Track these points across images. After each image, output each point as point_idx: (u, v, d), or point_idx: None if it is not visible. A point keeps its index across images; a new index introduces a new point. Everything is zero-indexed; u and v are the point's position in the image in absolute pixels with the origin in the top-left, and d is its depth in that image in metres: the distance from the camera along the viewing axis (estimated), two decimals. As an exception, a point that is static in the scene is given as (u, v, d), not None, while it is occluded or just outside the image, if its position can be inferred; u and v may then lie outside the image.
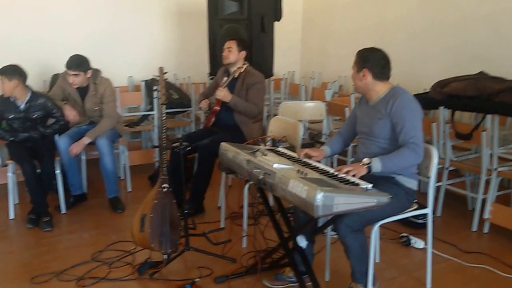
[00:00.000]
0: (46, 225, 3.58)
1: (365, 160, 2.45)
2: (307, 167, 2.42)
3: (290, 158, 2.62)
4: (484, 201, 3.53)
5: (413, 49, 5.31)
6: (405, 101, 2.50)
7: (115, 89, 4.19)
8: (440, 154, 3.70)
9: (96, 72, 4.02)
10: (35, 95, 3.78)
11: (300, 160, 2.59)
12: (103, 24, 5.68)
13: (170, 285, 2.79)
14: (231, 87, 3.87)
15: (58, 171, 3.80)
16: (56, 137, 3.91)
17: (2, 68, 3.65)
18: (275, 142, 3.22)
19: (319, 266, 2.86)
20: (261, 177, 2.30)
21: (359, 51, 2.62)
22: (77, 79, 3.88)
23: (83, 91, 4.00)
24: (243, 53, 3.93)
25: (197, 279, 2.80)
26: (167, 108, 2.97)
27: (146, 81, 5.35)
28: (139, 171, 4.71)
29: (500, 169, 3.46)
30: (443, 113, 3.73)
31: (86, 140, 3.88)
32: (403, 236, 3.38)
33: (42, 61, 5.14)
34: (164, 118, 2.96)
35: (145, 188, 4.28)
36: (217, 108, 3.91)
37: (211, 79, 4.87)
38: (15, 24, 5.20)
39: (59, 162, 3.83)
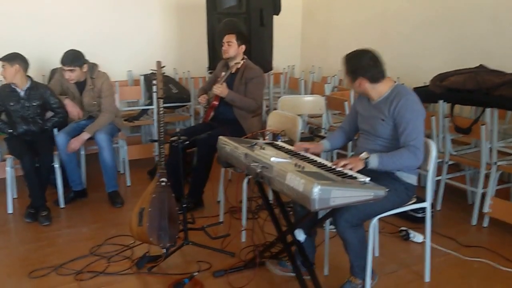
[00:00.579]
0: (45, 219, 3.58)
1: (363, 154, 2.45)
2: (304, 161, 2.42)
3: (288, 152, 2.61)
4: (483, 195, 3.53)
5: (413, 42, 5.28)
6: (408, 103, 2.47)
7: (112, 83, 4.17)
8: (440, 148, 3.70)
9: (93, 66, 4.01)
10: (35, 83, 3.80)
11: (298, 154, 2.58)
12: (102, 18, 5.65)
13: (169, 279, 2.78)
14: (230, 81, 3.86)
15: (57, 165, 3.80)
16: (55, 132, 3.90)
17: (4, 55, 3.67)
18: (274, 136, 3.21)
19: (318, 261, 2.86)
20: (259, 170, 2.30)
21: (345, 59, 2.55)
22: (73, 74, 3.87)
23: (81, 85, 3.99)
24: (243, 47, 3.92)
25: (195, 273, 2.80)
26: (166, 103, 2.96)
27: (145, 76, 5.34)
28: (138, 166, 4.71)
29: (499, 163, 3.45)
30: (442, 107, 3.71)
31: (85, 135, 3.88)
32: (402, 230, 3.38)
33: (41, 56, 5.11)
34: (162, 112, 2.95)
35: (144, 183, 4.27)
36: (215, 103, 3.90)
37: (210, 73, 4.86)
38: (14, 18, 5.18)
39: (57, 157, 3.83)
